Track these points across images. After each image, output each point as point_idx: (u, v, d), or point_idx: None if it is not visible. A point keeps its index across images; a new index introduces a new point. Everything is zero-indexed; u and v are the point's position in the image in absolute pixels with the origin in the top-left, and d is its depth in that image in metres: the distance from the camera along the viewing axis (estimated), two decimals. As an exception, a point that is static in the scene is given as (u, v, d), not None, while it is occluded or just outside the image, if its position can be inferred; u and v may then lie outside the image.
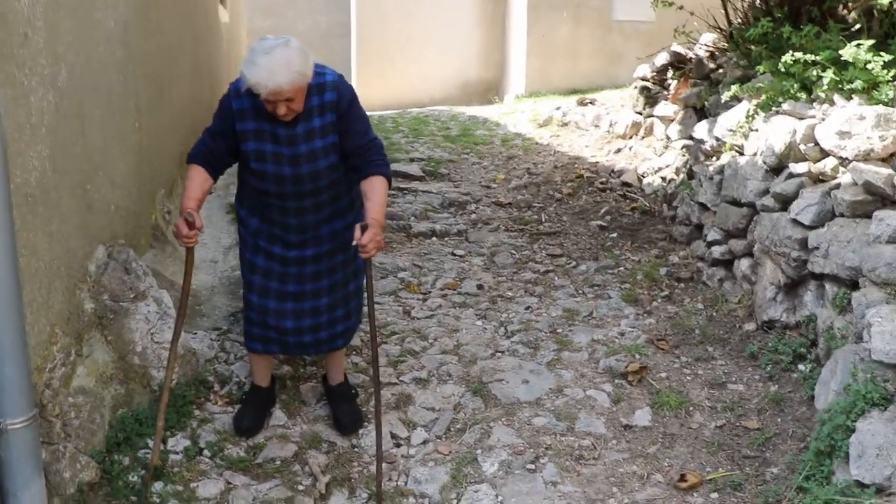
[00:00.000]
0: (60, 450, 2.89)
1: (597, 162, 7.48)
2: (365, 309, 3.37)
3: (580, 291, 4.90)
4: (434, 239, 6.03)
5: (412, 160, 8.09)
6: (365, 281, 3.09)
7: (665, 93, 7.08)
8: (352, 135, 3.02)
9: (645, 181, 6.59)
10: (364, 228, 2.86)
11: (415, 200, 6.81)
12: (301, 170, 2.99)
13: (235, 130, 2.97)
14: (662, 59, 7.16)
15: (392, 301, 4.82)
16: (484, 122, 10.25)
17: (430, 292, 4.97)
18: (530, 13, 12.55)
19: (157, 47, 5.34)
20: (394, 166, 7.69)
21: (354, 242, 2.86)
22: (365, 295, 3.19)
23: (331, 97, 2.98)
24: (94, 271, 3.70)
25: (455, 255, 5.67)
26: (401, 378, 3.85)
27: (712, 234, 4.90)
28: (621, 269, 5.18)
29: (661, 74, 7.23)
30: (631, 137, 7.63)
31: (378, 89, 14.60)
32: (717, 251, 4.82)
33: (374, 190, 2.99)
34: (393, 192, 6.89)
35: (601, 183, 6.81)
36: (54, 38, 3.25)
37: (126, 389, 3.44)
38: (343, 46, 15.86)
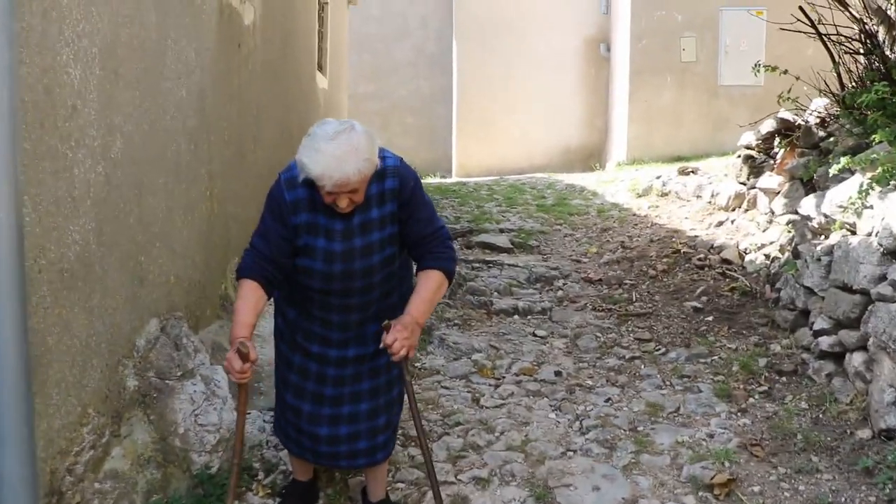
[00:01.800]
0: (76, 544, 2.69)
1: (696, 236, 7.02)
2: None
3: (667, 383, 4.45)
4: (516, 317, 5.70)
5: (502, 231, 7.85)
6: (406, 389, 2.75)
7: (771, 162, 6.59)
8: (415, 223, 2.70)
9: (747, 258, 6.09)
10: (388, 328, 2.57)
11: (500, 275, 6.52)
12: (353, 265, 2.66)
13: (290, 225, 2.63)
14: (768, 126, 6.68)
15: (462, 386, 4.50)
16: (581, 191, 9.93)
17: (503, 378, 4.62)
18: (633, 78, 12.26)
19: (239, 112, 5.32)
20: (482, 237, 7.50)
21: (382, 345, 2.56)
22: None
23: (392, 184, 2.64)
24: (143, 346, 3.55)
25: (536, 335, 5.32)
26: (458, 476, 3.50)
27: (819, 323, 4.39)
28: (715, 357, 4.70)
29: (766, 143, 6.76)
30: (734, 210, 7.15)
31: (478, 155, 14.56)
32: (824, 342, 4.30)
33: (426, 285, 2.67)
34: (478, 265, 6.66)
35: (699, 259, 6.34)
36: (110, 110, 3.17)
37: (163, 474, 3.24)
38: (444, 112, 15.97)
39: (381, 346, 2.56)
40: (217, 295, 4.74)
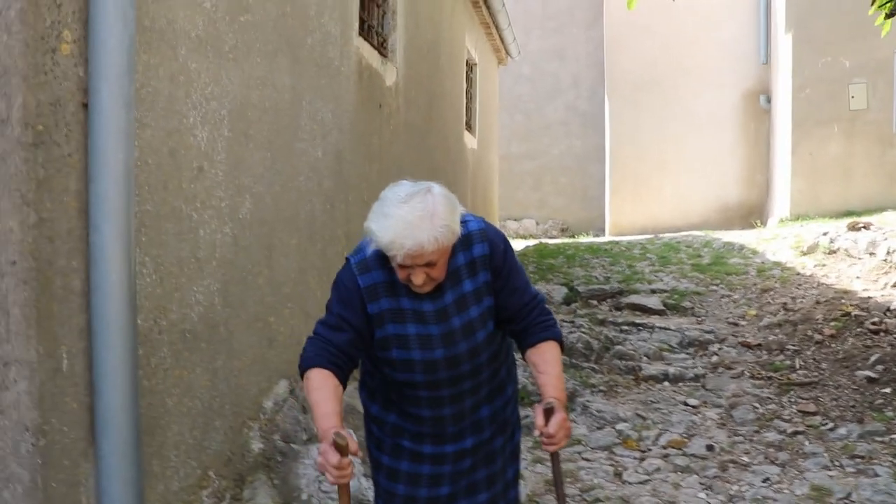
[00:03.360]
0: None
1: (869, 297, 6.36)
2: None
3: (836, 463, 3.95)
4: (666, 384, 5.32)
5: (653, 292, 7.45)
6: (554, 477, 2.34)
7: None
8: (511, 293, 2.33)
9: (932, 323, 5.43)
10: (549, 412, 2.17)
11: (649, 338, 6.14)
12: (458, 349, 2.29)
13: (367, 314, 2.24)
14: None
15: (604, 458, 4.19)
16: (740, 250, 9.34)
17: (649, 450, 4.27)
18: (795, 130, 11.52)
19: (379, 173, 5.33)
20: (632, 298, 7.15)
21: (537, 432, 2.19)
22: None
23: (481, 250, 2.28)
24: (271, 408, 3.53)
25: (687, 404, 4.92)
26: (594, 561, 3.21)
27: None
28: (895, 436, 4.14)
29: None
30: (915, 269, 6.44)
31: (632, 213, 14.15)
32: None
33: (548, 361, 2.31)
34: (627, 327, 6.33)
35: (873, 323, 5.71)
36: (238, 171, 3.20)
37: (284, 542, 3.15)
38: (597, 170, 15.71)
39: (537, 433, 2.20)
40: (352, 356, 4.69)
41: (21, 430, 2.07)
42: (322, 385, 2.15)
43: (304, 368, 2.21)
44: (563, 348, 2.38)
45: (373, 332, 2.24)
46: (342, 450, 1.97)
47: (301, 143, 3.89)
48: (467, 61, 9.83)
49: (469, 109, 10.23)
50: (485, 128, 11.51)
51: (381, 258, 2.19)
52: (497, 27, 11.09)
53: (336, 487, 2.08)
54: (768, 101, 13.15)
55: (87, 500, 2.24)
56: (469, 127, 10.15)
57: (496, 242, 2.30)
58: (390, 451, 2.43)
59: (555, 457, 2.31)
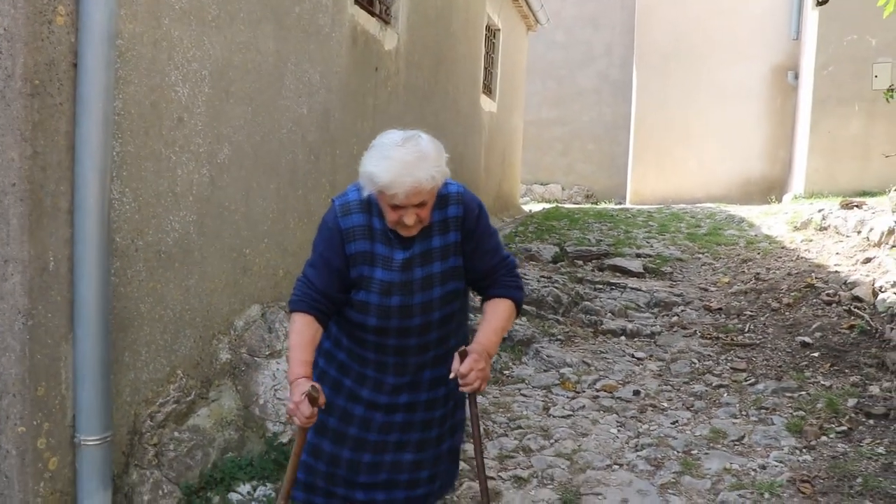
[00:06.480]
0: (147, 475, 3.25)
1: (837, 272, 6.72)
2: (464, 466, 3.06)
3: (743, 413, 4.42)
4: (622, 338, 5.81)
5: (638, 256, 7.90)
6: (471, 418, 2.51)
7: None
8: (482, 255, 2.50)
9: (880, 297, 5.80)
10: (464, 355, 2.37)
11: (619, 297, 6.62)
12: (412, 300, 2.43)
13: (346, 254, 2.42)
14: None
15: (540, 395, 4.72)
16: (739, 223, 9.70)
17: (583, 392, 4.79)
18: (816, 107, 11.67)
19: (373, 130, 5.83)
20: (615, 260, 7.61)
21: (452, 374, 2.38)
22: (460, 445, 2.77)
23: (455, 212, 2.44)
24: (241, 326, 4.12)
25: (634, 357, 5.41)
26: (500, 474, 3.76)
27: (919, 368, 4.20)
28: (803, 393, 4.59)
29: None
30: (882, 246, 6.77)
31: (653, 183, 14.43)
32: (919, 388, 4.12)
33: (495, 313, 2.50)
34: (601, 286, 6.79)
35: (828, 295, 6.10)
36: (218, 122, 3.74)
37: (240, 436, 3.76)
38: (626, 139, 16.00)
39: (452, 374, 2.39)
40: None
41: (15, 313, 2.67)
42: (302, 331, 2.40)
43: (290, 309, 2.47)
44: (519, 310, 2.59)
45: (349, 270, 2.43)
46: (313, 401, 2.26)
47: (285, 100, 4.41)
48: (488, 27, 10.21)
49: (489, 73, 10.62)
50: (507, 92, 11.88)
51: (363, 203, 2.40)
52: (522, -7, 11.41)
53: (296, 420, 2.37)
54: (795, 77, 13.26)
55: (66, 371, 2.85)
56: (488, 91, 10.56)
57: (471, 206, 2.48)
58: (332, 385, 2.59)
59: (471, 398, 2.48)
